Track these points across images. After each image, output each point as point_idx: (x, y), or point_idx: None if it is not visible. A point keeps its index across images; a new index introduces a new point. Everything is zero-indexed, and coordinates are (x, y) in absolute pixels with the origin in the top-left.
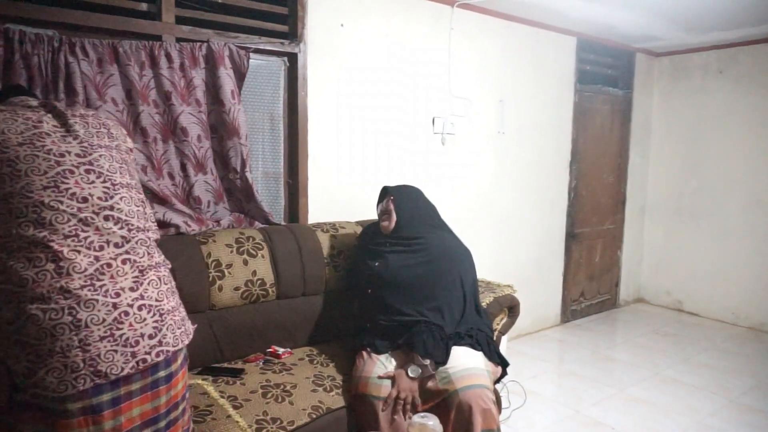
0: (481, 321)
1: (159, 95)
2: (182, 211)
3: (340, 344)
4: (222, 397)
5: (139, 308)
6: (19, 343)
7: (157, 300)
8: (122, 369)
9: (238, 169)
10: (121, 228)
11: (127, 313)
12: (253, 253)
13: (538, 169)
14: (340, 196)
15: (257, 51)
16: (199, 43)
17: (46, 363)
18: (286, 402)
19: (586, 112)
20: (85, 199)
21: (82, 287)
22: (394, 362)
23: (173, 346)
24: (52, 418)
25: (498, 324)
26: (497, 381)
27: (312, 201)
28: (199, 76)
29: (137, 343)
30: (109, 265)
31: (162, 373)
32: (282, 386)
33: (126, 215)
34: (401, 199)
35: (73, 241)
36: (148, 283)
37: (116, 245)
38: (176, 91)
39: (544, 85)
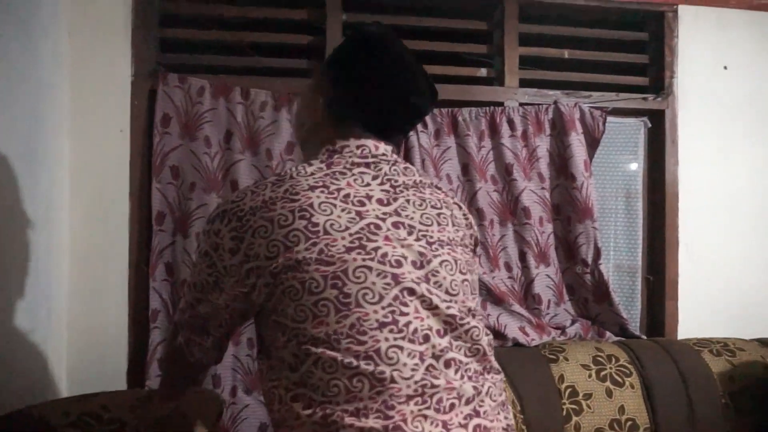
0: None
1: (498, 169)
2: (520, 313)
3: None
4: None
5: None
6: None
7: None
8: None
9: (589, 260)
10: None
11: None
12: (619, 380)
13: None
14: (727, 301)
15: (612, 111)
16: (545, 106)
17: None
18: None
19: None
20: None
21: None
22: None
23: None
24: None
25: None
26: None
27: (683, 306)
28: (543, 145)
29: None
30: None
31: None
32: None
33: None
34: None
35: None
36: None
37: None
38: (518, 164)
39: None
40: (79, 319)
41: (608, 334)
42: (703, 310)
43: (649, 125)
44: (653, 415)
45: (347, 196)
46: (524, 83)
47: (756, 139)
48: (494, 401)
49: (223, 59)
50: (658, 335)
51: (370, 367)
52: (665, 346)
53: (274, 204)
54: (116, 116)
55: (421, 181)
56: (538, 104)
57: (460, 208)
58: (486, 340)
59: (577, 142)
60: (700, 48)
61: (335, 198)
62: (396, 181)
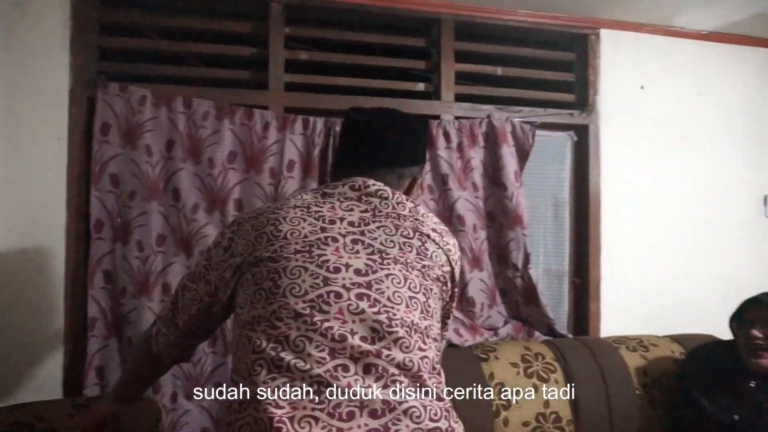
0: None
1: (434, 179)
2: (454, 316)
3: None
4: None
5: None
6: None
7: None
8: None
9: (520, 264)
10: None
11: None
12: (545, 376)
13: None
14: (644, 301)
15: (541, 125)
16: (479, 120)
17: None
18: None
19: None
20: None
21: None
22: None
23: None
24: None
25: None
26: None
27: (605, 307)
28: (477, 157)
29: None
30: None
31: None
32: None
33: None
34: None
35: None
36: None
37: None
38: (453, 174)
39: None
40: (13, 327)
41: (537, 333)
42: (622, 310)
43: (575, 139)
44: (575, 408)
45: (321, 216)
46: (460, 98)
47: (669, 152)
48: (416, 424)
49: (165, 69)
50: (583, 334)
51: (273, 353)
52: (587, 343)
53: (262, 215)
54: (53, 124)
55: (405, 215)
56: (473, 118)
57: (440, 247)
58: (422, 357)
59: (508, 153)
60: (620, 68)
61: (309, 215)
62: (380, 211)
